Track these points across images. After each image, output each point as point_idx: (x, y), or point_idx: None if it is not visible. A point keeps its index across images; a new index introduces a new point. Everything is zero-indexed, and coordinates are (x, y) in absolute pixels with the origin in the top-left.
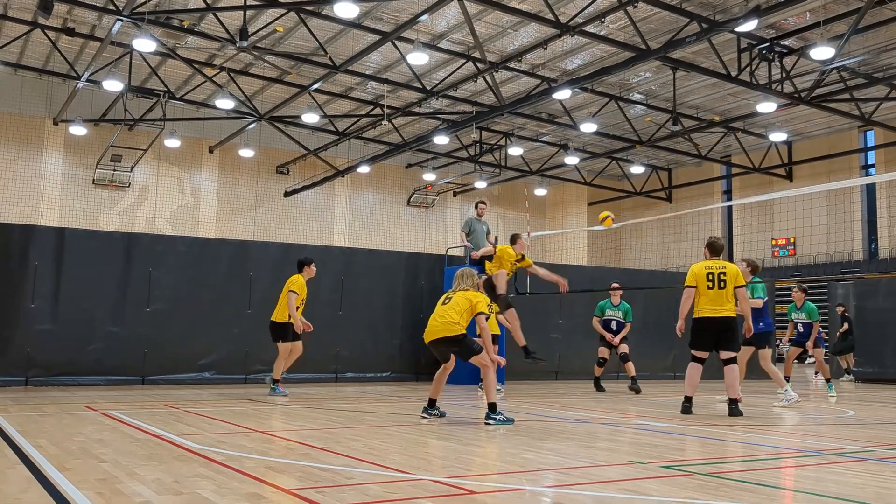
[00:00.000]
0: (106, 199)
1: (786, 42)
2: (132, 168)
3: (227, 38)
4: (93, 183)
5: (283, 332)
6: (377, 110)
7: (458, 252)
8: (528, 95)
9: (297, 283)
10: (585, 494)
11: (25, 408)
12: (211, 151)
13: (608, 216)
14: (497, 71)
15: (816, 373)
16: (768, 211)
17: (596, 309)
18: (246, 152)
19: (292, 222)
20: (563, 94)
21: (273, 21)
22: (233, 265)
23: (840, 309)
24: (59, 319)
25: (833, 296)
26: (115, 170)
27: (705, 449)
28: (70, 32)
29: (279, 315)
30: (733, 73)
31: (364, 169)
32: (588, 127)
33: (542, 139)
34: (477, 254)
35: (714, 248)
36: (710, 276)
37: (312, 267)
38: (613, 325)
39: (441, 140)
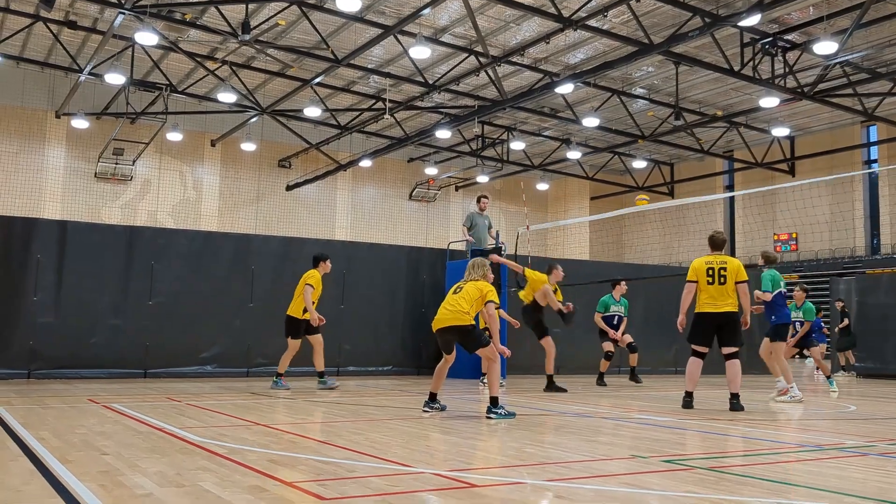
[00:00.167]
0: (108, 193)
1: (789, 37)
2: (134, 161)
3: (229, 32)
4: (95, 176)
5: (296, 328)
6: (379, 104)
7: (460, 246)
8: (530, 90)
9: (314, 277)
10: (586, 488)
11: (28, 400)
12: (213, 145)
13: (644, 199)
14: (499, 65)
15: (817, 368)
16: (770, 206)
17: (598, 304)
18: (248, 146)
19: (294, 216)
20: (566, 89)
21: (275, 14)
22: (234, 259)
23: (839, 304)
24: (61, 312)
25: (835, 291)
26: (117, 163)
27: (706, 443)
28: (72, 25)
29: (294, 310)
30: (736, 68)
31: (366, 163)
32: (590, 121)
33: (545, 134)
34: (499, 259)
35: (714, 243)
36: (711, 272)
37: (328, 263)
38: (616, 321)
39: (443, 134)
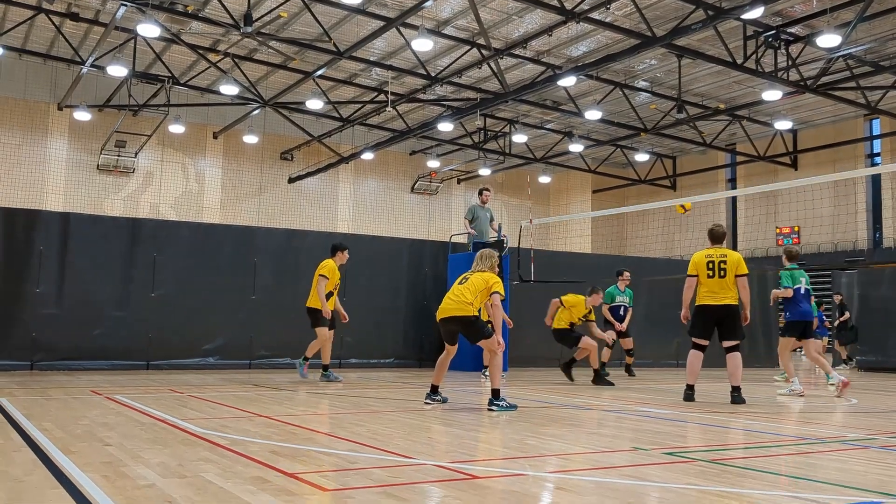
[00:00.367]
0: (110, 185)
1: (792, 29)
2: (136, 153)
3: (231, 24)
4: (97, 168)
5: (319, 316)
6: (381, 97)
7: (462, 239)
8: (532, 82)
9: (328, 266)
10: (588, 480)
11: (31, 391)
12: (215, 137)
13: (684, 206)
14: (502, 58)
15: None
16: (773, 200)
17: (605, 296)
18: (250, 138)
19: (296, 208)
20: (568, 82)
21: (277, 7)
22: (237, 251)
23: (838, 298)
24: (64, 304)
25: (837, 285)
26: (119, 155)
27: (707, 436)
28: (74, 17)
29: (313, 301)
30: (739, 61)
31: (368, 156)
32: (593, 114)
33: (547, 126)
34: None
35: (714, 236)
36: (711, 265)
37: (346, 253)
38: (622, 311)
39: (445, 127)
